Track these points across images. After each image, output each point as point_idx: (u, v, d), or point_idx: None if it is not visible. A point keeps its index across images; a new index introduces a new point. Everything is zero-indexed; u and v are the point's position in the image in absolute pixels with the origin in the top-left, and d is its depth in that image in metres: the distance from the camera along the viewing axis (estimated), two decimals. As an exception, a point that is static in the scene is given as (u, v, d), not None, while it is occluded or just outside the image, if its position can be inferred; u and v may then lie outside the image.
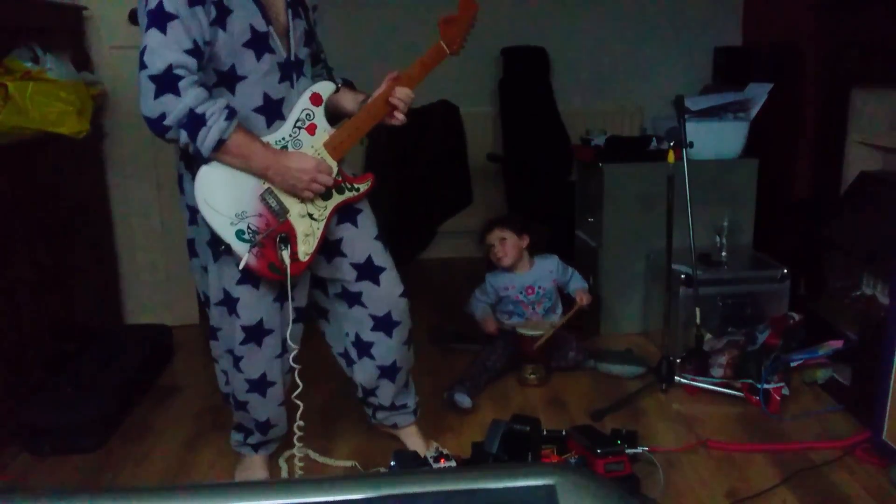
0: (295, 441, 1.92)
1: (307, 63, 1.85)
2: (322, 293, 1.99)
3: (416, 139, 3.43)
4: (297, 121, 1.78)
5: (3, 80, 2.44)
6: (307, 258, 1.79)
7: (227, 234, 1.70)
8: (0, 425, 2.19)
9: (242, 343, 1.85)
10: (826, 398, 2.46)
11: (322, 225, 1.81)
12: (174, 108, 1.56)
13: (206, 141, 1.60)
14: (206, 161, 1.67)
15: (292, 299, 1.82)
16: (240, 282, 1.79)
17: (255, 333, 1.84)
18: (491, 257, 2.81)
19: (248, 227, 1.71)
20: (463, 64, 3.73)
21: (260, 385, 1.91)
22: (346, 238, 1.91)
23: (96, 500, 0.75)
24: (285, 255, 1.74)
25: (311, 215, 1.79)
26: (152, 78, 1.55)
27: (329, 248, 1.89)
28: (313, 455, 2.15)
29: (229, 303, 1.82)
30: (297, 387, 1.86)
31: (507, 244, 2.77)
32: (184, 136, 1.60)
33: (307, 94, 1.79)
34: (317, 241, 1.80)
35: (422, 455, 1.92)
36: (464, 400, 2.40)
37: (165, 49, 1.55)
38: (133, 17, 2.92)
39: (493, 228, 2.80)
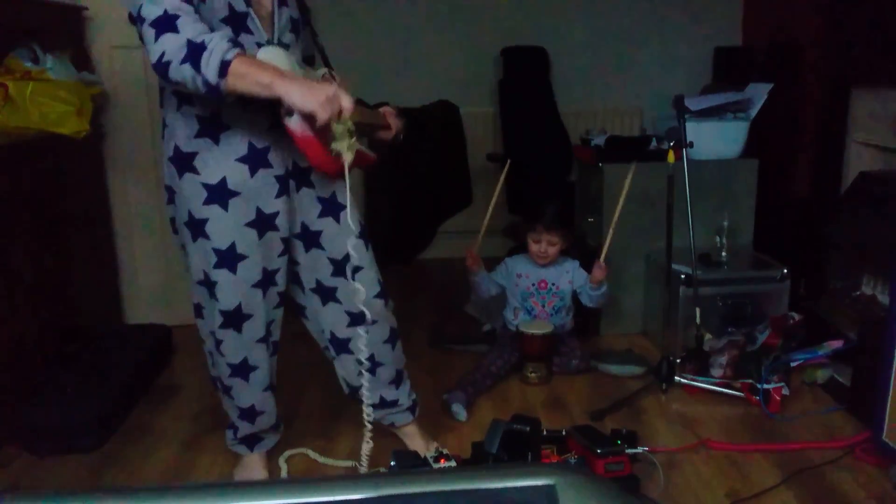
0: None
1: (294, 48, 1.81)
2: (299, 288, 1.98)
3: (416, 139, 3.42)
4: None
5: (3, 80, 2.44)
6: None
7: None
8: (0, 425, 2.19)
9: (221, 327, 1.84)
10: (826, 398, 2.46)
11: (353, 153, 1.65)
12: (173, 44, 1.54)
13: (209, 65, 1.53)
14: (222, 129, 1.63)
15: (275, 283, 1.83)
16: (216, 265, 1.78)
17: (234, 318, 1.84)
18: (533, 251, 2.77)
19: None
20: (463, 64, 3.72)
21: (242, 370, 1.90)
22: (326, 232, 1.90)
23: (96, 500, 0.75)
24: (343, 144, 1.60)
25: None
26: (152, 23, 1.55)
27: (309, 237, 1.88)
28: (313, 455, 2.15)
29: (209, 285, 1.82)
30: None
31: (554, 249, 2.75)
32: (188, 70, 1.53)
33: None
34: (353, 156, 1.66)
35: (422, 455, 1.92)
36: (460, 412, 2.38)
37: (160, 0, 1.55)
38: (133, 17, 2.92)
39: (550, 231, 2.74)
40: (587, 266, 2.76)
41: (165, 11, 1.55)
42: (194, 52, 1.52)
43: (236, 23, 1.67)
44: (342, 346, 2.01)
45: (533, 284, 2.80)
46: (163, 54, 1.54)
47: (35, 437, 2.19)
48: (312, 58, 1.98)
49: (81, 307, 2.75)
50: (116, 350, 2.67)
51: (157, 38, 1.54)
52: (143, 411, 2.48)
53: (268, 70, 1.57)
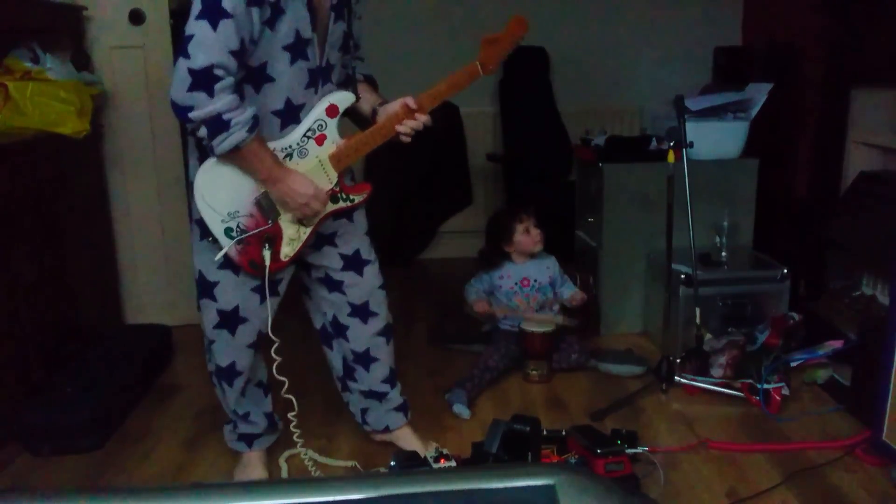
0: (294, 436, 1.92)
1: (336, 67, 1.83)
2: (305, 273, 2.02)
3: (416, 139, 3.42)
4: (308, 130, 1.77)
5: (3, 80, 2.44)
6: (286, 259, 1.82)
7: (217, 230, 1.74)
8: (0, 425, 2.19)
9: (215, 327, 1.87)
10: (826, 398, 2.46)
11: (309, 230, 1.83)
12: (204, 107, 1.56)
13: (222, 145, 1.62)
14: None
15: (276, 293, 1.87)
16: (221, 266, 1.81)
17: (230, 319, 1.86)
18: (526, 242, 2.80)
19: (238, 227, 1.74)
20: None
21: (228, 373, 1.93)
22: (341, 231, 1.94)
23: (96, 500, 0.75)
24: (267, 254, 1.78)
25: (301, 221, 1.81)
26: (191, 71, 1.55)
27: (321, 239, 1.91)
28: (313, 455, 2.15)
29: (205, 285, 1.84)
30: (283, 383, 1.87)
31: (538, 231, 2.81)
32: (203, 132, 1.61)
33: (324, 103, 1.78)
34: (300, 244, 1.83)
35: (421, 455, 1.92)
36: (462, 411, 2.39)
37: (212, 46, 1.54)
38: (133, 17, 2.92)
39: (532, 221, 2.81)
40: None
41: (211, 66, 1.55)
42: (218, 126, 1.59)
43: (297, 50, 1.69)
44: (341, 331, 2.05)
45: (515, 284, 2.82)
46: (191, 108, 1.57)
47: (35, 437, 2.19)
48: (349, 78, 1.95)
49: (81, 307, 2.75)
50: (116, 350, 2.67)
51: (190, 89, 1.55)
52: (143, 411, 2.48)
53: (265, 165, 1.70)
